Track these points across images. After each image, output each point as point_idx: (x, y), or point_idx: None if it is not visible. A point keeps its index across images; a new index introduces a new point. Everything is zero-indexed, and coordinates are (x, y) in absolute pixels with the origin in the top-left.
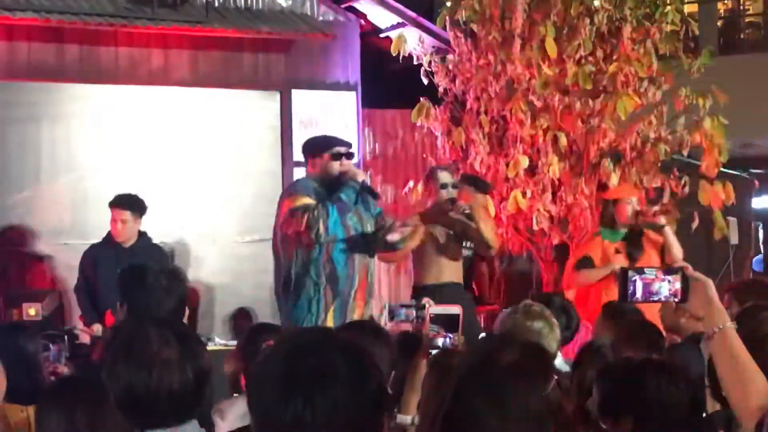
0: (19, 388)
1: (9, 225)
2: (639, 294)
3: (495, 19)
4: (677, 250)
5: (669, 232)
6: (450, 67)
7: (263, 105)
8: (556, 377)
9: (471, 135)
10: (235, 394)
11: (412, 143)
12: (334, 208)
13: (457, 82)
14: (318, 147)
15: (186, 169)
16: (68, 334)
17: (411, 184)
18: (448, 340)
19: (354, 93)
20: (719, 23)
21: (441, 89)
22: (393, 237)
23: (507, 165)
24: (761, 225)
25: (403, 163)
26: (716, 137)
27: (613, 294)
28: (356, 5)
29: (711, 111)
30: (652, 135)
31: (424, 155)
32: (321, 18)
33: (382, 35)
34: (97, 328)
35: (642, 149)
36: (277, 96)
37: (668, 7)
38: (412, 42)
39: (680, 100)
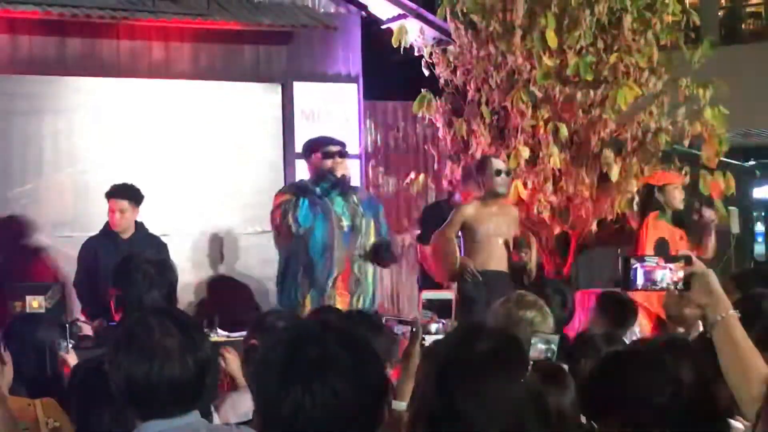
0: (33, 380)
1: (11, 217)
2: (640, 282)
3: (495, 10)
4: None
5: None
6: (451, 58)
7: (265, 97)
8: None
9: (472, 126)
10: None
11: (414, 135)
12: (305, 201)
13: (458, 73)
14: (310, 147)
15: (188, 162)
16: (72, 325)
17: (412, 175)
18: (441, 325)
19: (355, 85)
20: (720, 13)
21: (442, 81)
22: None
23: (508, 156)
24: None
25: (405, 154)
26: (717, 127)
27: None
28: None
29: (712, 101)
30: (652, 125)
31: (426, 147)
32: (322, 10)
33: (383, 27)
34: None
35: (643, 139)
36: (279, 88)
37: None
38: (413, 33)
39: (681, 90)
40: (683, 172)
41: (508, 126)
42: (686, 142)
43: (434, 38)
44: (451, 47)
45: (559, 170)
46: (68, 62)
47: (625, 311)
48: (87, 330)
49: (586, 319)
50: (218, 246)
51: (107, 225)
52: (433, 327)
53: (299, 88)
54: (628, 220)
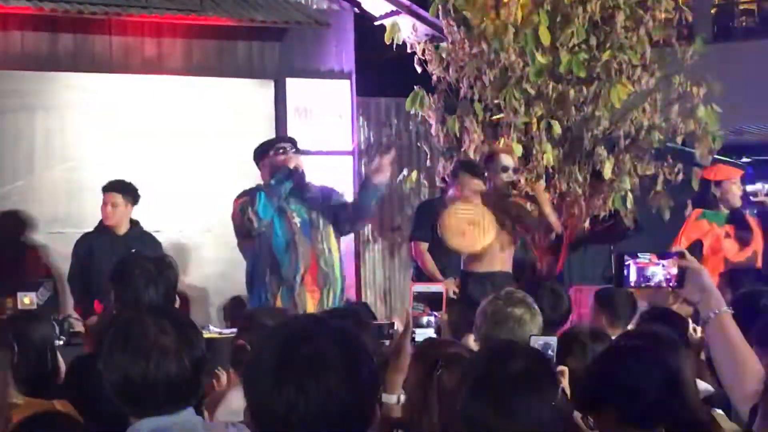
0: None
1: (3, 214)
2: (633, 279)
3: (488, 7)
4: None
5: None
6: (444, 55)
7: (257, 94)
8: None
9: (465, 123)
10: None
11: (406, 131)
12: (262, 194)
13: (450, 70)
14: (261, 150)
15: (180, 158)
16: (64, 322)
17: (405, 172)
18: (432, 318)
19: (348, 81)
20: (713, 10)
21: (435, 77)
22: (379, 178)
23: None
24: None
25: (398, 151)
26: (710, 125)
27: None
28: None
29: (705, 99)
30: (645, 123)
31: (419, 143)
32: (315, 6)
33: (376, 23)
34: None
35: (636, 137)
36: (272, 84)
37: None
38: (406, 30)
39: (674, 87)
40: (676, 169)
41: (501, 123)
42: (679, 140)
43: (427, 35)
44: (443, 44)
45: (552, 167)
46: (60, 58)
47: (624, 305)
48: (79, 327)
49: (578, 315)
50: (210, 243)
51: (102, 221)
52: (425, 320)
53: (292, 84)
54: (620, 218)
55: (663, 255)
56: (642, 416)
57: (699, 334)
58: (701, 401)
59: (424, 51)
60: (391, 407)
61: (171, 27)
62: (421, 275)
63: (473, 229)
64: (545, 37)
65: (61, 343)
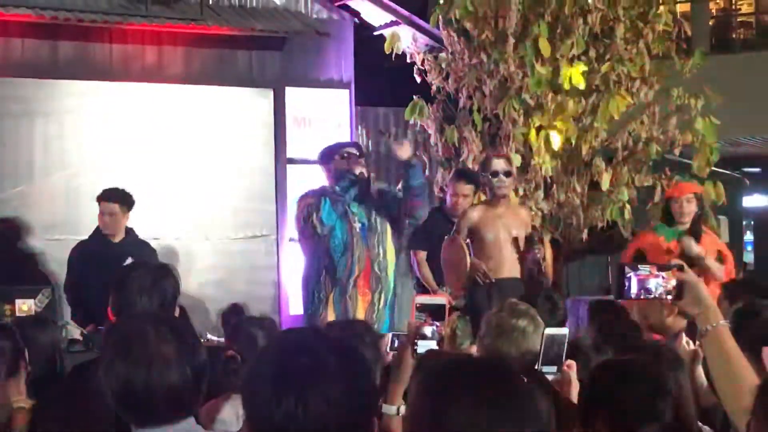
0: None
1: (2, 220)
2: (634, 291)
3: (488, 18)
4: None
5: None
6: (443, 65)
7: (257, 102)
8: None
9: (464, 133)
10: None
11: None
12: (327, 200)
13: (450, 80)
14: (329, 153)
15: (179, 166)
16: (62, 328)
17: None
18: (435, 328)
19: (348, 91)
20: (711, 22)
21: (434, 87)
22: (403, 152)
23: None
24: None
25: (396, 160)
26: (707, 137)
27: None
28: (350, 3)
29: (702, 111)
30: (643, 134)
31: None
32: (315, 16)
33: (375, 33)
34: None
35: (634, 148)
36: (271, 93)
37: (661, 8)
38: (406, 40)
39: (672, 99)
40: (674, 181)
41: (500, 133)
42: (677, 152)
43: (426, 45)
44: (443, 54)
45: (551, 178)
46: (60, 66)
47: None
48: (77, 334)
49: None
50: (208, 250)
51: (98, 229)
52: (427, 330)
53: (291, 93)
54: (618, 229)
55: (662, 267)
56: (631, 429)
57: (691, 347)
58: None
59: (423, 61)
60: (391, 418)
61: (171, 35)
62: (424, 287)
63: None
64: (545, 49)
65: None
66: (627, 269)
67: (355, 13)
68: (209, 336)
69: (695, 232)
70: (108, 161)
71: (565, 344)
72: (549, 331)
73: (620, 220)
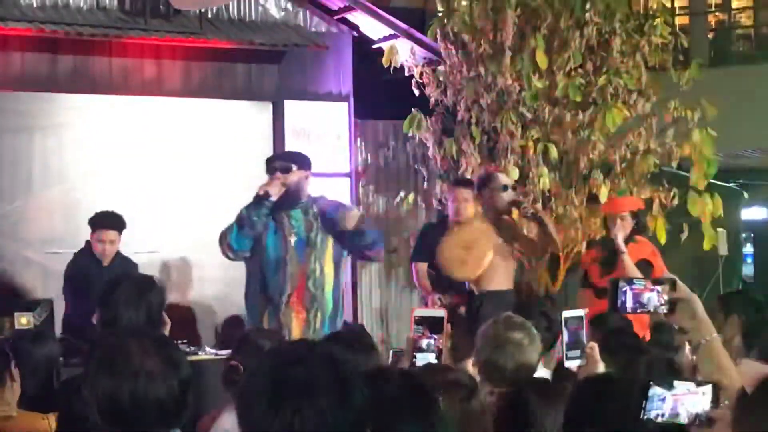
0: (38, 395)
1: (1, 234)
2: (629, 305)
3: (485, 31)
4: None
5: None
6: (441, 78)
7: (256, 116)
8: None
9: (462, 146)
10: None
11: (404, 154)
12: (234, 227)
13: (448, 93)
14: (267, 162)
15: (178, 180)
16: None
17: (402, 194)
18: (432, 341)
19: (346, 104)
20: (710, 35)
21: (432, 100)
22: (347, 223)
23: None
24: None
25: (395, 173)
26: (705, 149)
27: None
28: (349, 17)
29: (700, 123)
30: (641, 147)
31: (416, 166)
32: (314, 29)
33: (374, 46)
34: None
35: (632, 161)
36: (270, 107)
37: (657, 20)
38: (404, 53)
39: (669, 112)
40: (672, 193)
41: (498, 146)
42: (675, 164)
43: (425, 58)
44: (441, 67)
45: (549, 191)
46: (60, 79)
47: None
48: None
49: None
50: (208, 263)
51: (89, 247)
52: (425, 343)
53: (290, 106)
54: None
55: (657, 281)
56: None
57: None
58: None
59: (421, 74)
60: None
61: (170, 49)
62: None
63: (472, 252)
64: (542, 62)
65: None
66: (622, 283)
67: (354, 27)
68: (208, 349)
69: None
70: (107, 175)
71: (584, 326)
72: (567, 313)
73: None
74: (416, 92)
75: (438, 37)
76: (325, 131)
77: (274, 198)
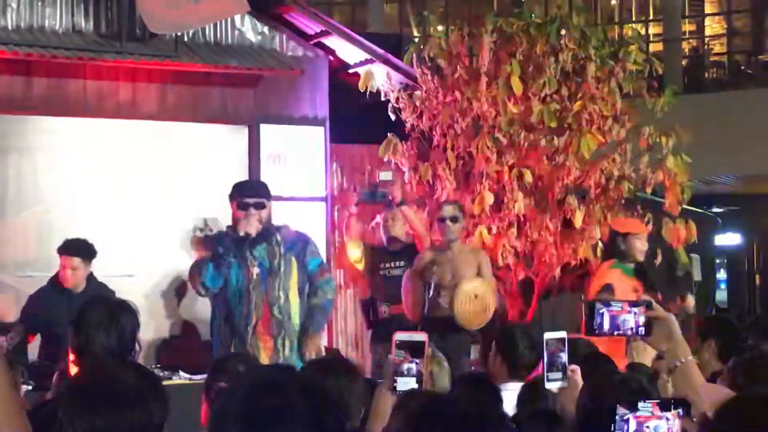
0: None
1: None
2: (606, 327)
3: (461, 56)
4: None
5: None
6: (417, 103)
7: (231, 139)
8: None
9: (437, 171)
10: None
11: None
12: (210, 266)
13: (424, 118)
14: (232, 193)
15: (153, 203)
16: (32, 367)
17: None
18: (414, 365)
19: (322, 128)
20: (684, 62)
21: (408, 125)
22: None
23: (473, 201)
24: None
25: (370, 198)
26: (679, 175)
27: None
28: (325, 41)
29: (674, 149)
30: (616, 172)
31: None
32: (290, 53)
33: (350, 71)
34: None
35: (606, 186)
36: (246, 130)
37: (632, 47)
38: (380, 78)
39: (644, 138)
40: (646, 219)
41: (473, 171)
42: (649, 190)
43: (401, 83)
44: (417, 92)
45: (524, 216)
46: (34, 101)
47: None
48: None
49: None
50: (182, 287)
51: (56, 278)
52: (405, 367)
53: (266, 130)
54: (590, 267)
55: (633, 303)
56: None
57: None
58: None
59: (398, 99)
60: None
61: (145, 72)
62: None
63: (483, 298)
64: (517, 87)
65: (30, 388)
66: (599, 305)
67: (330, 51)
68: (182, 374)
69: (641, 270)
70: (82, 198)
71: (566, 347)
72: (548, 335)
73: (592, 258)
74: (392, 117)
75: (414, 62)
76: (300, 155)
77: (253, 236)
